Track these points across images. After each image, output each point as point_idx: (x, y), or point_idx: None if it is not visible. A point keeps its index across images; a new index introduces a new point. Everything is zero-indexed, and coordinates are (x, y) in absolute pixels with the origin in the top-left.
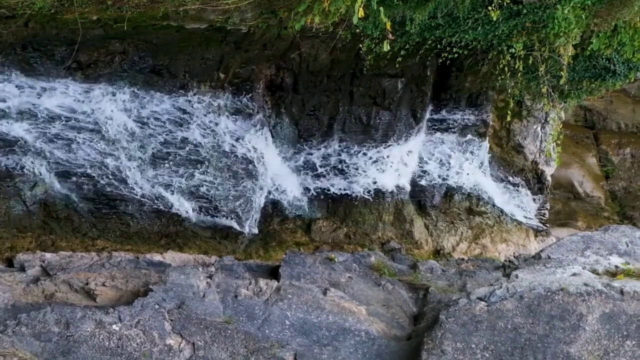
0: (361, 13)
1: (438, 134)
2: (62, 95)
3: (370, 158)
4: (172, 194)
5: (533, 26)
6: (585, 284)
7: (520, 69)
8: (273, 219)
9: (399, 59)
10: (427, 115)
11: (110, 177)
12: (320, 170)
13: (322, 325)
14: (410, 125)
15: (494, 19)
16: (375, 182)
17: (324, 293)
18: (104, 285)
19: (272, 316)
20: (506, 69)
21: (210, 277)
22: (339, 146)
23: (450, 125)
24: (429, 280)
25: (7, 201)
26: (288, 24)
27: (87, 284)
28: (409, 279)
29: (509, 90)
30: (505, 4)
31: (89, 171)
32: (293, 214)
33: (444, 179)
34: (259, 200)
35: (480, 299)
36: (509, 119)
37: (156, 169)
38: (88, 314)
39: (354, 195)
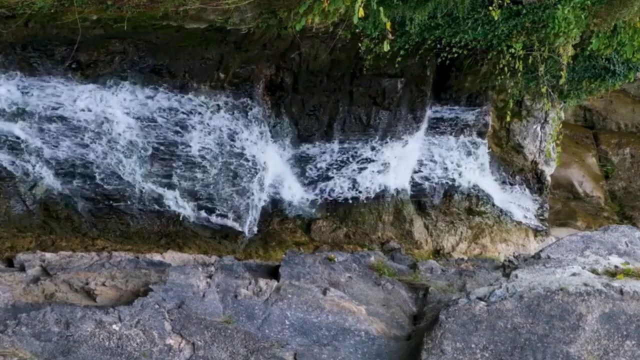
0: (361, 13)
1: (438, 134)
2: (62, 94)
3: (370, 158)
4: (172, 193)
5: (533, 26)
6: (585, 284)
7: (520, 68)
8: (273, 219)
9: (399, 58)
10: (427, 115)
11: (111, 176)
12: (317, 169)
13: (322, 325)
14: (410, 125)
15: (494, 18)
16: (374, 182)
17: (324, 293)
18: (104, 285)
19: (272, 316)
20: (506, 68)
21: (210, 277)
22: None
23: (450, 125)
24: (429, 280)
25: (7, 201)
26: (288, 24)
27: (87, 283)
28: (408, 278)
29: (509, 90)
30: (505, 4)
31: (89, 171)
32: (293, 213)
33: (443, 179)
34: (259, 199)
35: (480, 298)
36: (508, 118)
37: (156, 168)
38: (88, 314)
39: (350, 196)
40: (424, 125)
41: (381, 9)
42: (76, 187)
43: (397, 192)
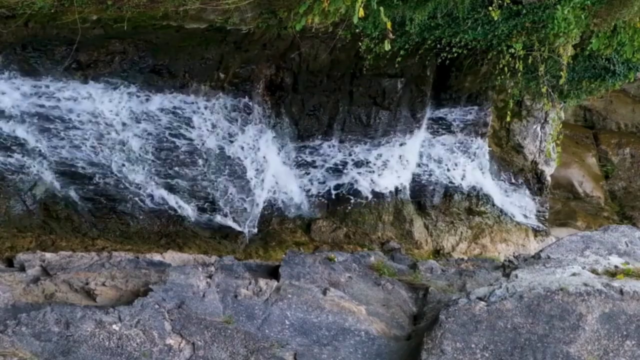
0: (361, 13)
1: (437, 134)
2: (62, 95)
3: (370, 158)
4: (172, 193)
5: (533, 26)
6: (585, 284)
7: (520, 68)
8: (273, 219)
9: (399, 58)
10: (427, 115)
11: (110, 176)
12: (317, 168)
13: (322, 325)
14: (410, 125)
15: (494, 19)
16: (374, 183)
17: (324, 293)
18: (104, 285)
19: (272, 316)
20: (506, 68)
21: (210, 276)
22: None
23: (450, 125)
24: (429, 280)
25: (7, 201)
26: (288, 24)
27: (87, 283)
28: (408, 278)
29: (509, 90)
30: (505, 4)
31: (89, 171)
32: (293, 213)
33: (443, 179)
34: (259, 199)
35: (480, 298)
36: (508, 119)
37: (156, 168)
38: (88, 314)
39: (353, 196)
40: (424, 125)
41: (381, 8)
42: (76, 187)
43: (397, 192)
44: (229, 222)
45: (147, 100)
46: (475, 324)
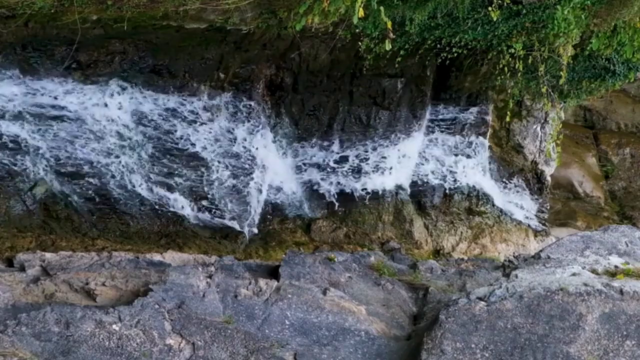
0: (361, 13)
1: (437, 134)
2: (62, 94)
3: (369, 157)
4: (172, 193)
5: (533, 26)
6: (585, 284)
7: (520, 68)
8: (273, 219)
9: (399, 58)
10: (427, 115)
11: (110, 176)
12: (317, 168)
13: (322, 325)
14: (410, 125)
15: (494, 19)
16: (374, 182)
17: (324, 293)
18: (104, 285)
19: (272, 316)
20: (506, 68)
21: (210, 277)
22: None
23: (450, 125)
24: (429, 280)
25: (7, 201)
26: (288, 24)
27: (87, 283)
28: (408, 278)
29: (509, 90)
30: (505, 4)
31: (89, 171)
32: (293, 213)
33: (443, 179)
34: (259, 199)
35: (480, 298)
36: (508, 119)
37: (156, 168)
38: (88, 314)
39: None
40: (424, 125)
41: (381, 8)
42: (76, 187)
43: (397, 192)
44: (229, 222)
45: (146, 99)
46: (475, 324)
